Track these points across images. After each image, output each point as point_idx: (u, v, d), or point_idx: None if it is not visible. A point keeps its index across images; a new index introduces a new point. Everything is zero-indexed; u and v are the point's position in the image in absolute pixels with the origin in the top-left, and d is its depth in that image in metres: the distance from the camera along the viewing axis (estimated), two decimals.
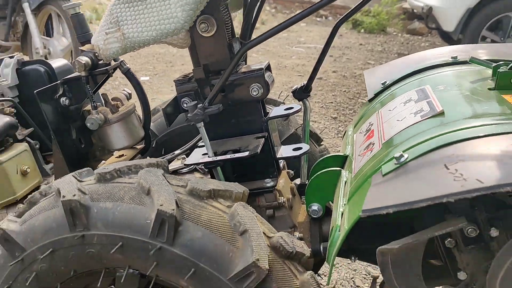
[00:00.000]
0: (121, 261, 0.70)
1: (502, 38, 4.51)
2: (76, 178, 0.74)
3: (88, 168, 0.82)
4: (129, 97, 1.10)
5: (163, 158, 0.94)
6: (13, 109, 1.11)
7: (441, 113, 0.76)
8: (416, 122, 0.78)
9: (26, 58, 2.26)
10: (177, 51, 5.12)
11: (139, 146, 1.11)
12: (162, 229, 0.66)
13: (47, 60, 1.18)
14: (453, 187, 0.54)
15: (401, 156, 0.68)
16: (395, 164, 0.68)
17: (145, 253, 0.67)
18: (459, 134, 0.66)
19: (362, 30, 7.64)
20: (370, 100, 1.10)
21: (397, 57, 5.60)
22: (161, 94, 3.66)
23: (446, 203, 0.55)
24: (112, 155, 1.11)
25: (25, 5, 3.07)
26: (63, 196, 0.69)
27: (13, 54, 1.25)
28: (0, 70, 1.15)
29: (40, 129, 1.20)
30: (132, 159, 1.06)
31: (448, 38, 5.30)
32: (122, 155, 1.08)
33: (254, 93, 0.89)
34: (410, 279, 0.68)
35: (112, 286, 0.79)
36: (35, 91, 0.91)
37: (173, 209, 0.66)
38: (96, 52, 0.87)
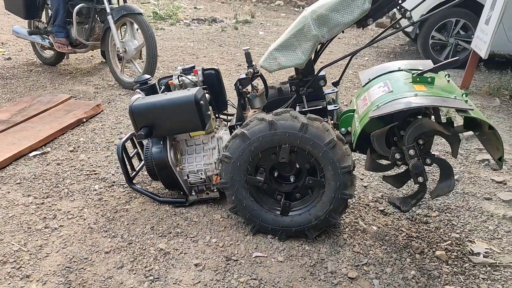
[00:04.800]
0: (285, 141, 2.02)
1: (446, 38, 5.83)
2: (265, 114, 2.08)
3: (271, 113, 2.16)
4: (258, 86, 2.43)
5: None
6: (206, 91, 2.42)
7: (391, 91, 2.12)
8: (382, 95, 2.13)
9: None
10: (194, 45, 6.29)
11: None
12: (301, 128, 1.99)
13: (216, 68, 2.48)
14: (387, 110, 1.91)
15: (377, 105, 2.05)
16: (376, 107, 2.04)
17: (296, 137, 1.99)
18: (389, 98, 2.02)
19: None
20: (363, 86, 2.47)
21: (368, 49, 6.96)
22: None
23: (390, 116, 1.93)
24: (249, 110, 2.44)
25: (109, 18, 4.21)
26: (267, 119, 2.01)
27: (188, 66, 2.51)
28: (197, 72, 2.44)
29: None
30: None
31: (408, 33, 6.64)
32: (255, 111, 2.41)
33: (321, 84, 2.24)
34: (380, 145, 2.04)
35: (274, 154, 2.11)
36: (235, 82, 2.24)
37: (305, 122, 2.00)
38: (262, 68, 2.18)
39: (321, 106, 2.19)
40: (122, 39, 4.40)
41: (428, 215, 2.59)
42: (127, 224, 2.24)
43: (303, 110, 2.21)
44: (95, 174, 2.68)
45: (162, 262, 2.00)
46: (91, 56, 5.56)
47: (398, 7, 2.04)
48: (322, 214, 2.11)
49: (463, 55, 5.79)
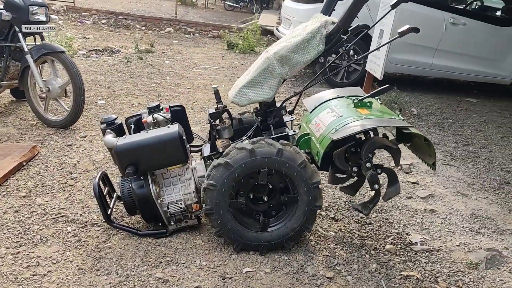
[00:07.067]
0: (264, 165, 2.30)
1: (340, 61, 6.62)
2: (243, 142, 2.34)
3: (241, 141, 2.42)
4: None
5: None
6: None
7: (341, 116, 2.53)
8: (334, 119, 2.53)
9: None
10: (105, 78, 6.25)
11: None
12: (278, 153, 2.29)
13: (181, 105, 2.66)
14: (347, 132, 2.31)
15: (334, 128, 2.43)
16: (334, 130, 2.43)
17: (274, 161, 2.28)
18: (343, 122, 2.44)
19: (237, 51, 9.44)
20: (310, 112, 2.86)
21: None
22: (121, 114, 4.88)
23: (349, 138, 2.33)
24: (218, 141, 2.67)
25: (28, 57, 4.08)
26: (248, 148, 2.28)
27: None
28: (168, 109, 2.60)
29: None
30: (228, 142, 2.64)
31: None
32: (223, 141, 2.65)
33: (283, 113, 2.58)
34: (340, 161, 2.43)
35: (252, 178, 2.37)
36: (208, 117, 2.46)
37: (281, 147, 2.31)
38: (233, 103, 2.44)
39: (286, 133, 2.53)
40: (43, 78, 4.29)
41: (369, 217, 3.05)
42: (116, 260, 2.31)
43: (271, 137, 2.51)
44: (62, 216, 2.68)
45: None
46: None
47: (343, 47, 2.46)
48: (298, 225, 2.42)
49: (355, 75, 6.66)
